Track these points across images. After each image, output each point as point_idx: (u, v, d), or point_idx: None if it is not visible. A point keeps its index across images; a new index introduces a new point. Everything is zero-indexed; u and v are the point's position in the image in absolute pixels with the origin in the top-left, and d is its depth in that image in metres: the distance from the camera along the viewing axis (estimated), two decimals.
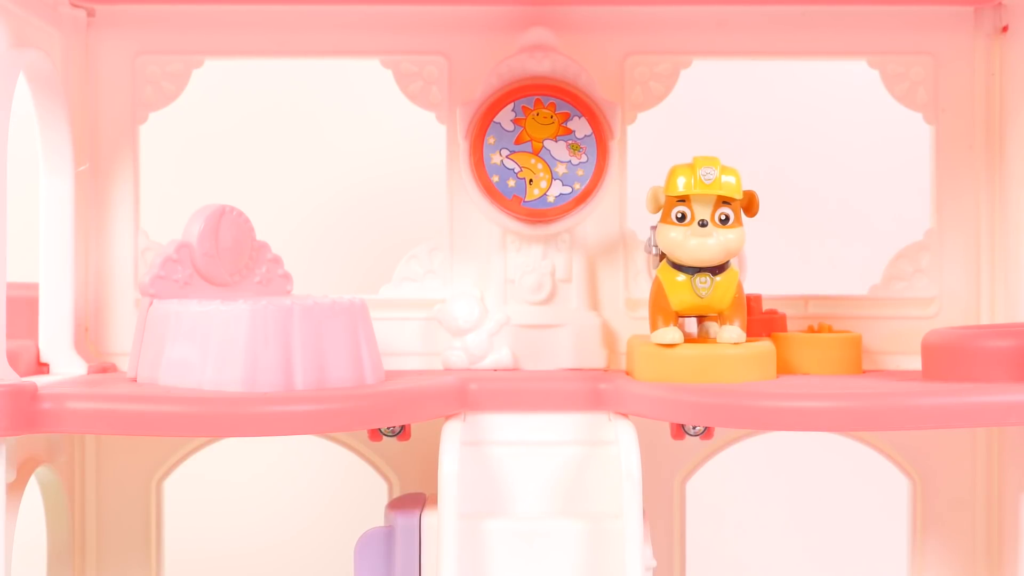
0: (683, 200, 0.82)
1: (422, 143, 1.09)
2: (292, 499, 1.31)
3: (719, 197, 0.82)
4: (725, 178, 0.82)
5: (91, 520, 0.96)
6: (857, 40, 0.95)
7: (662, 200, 0.83)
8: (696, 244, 0.82)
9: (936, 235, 0.96)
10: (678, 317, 0.83)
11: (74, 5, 0.93)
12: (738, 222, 0.82)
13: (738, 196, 0.82)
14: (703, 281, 0.82)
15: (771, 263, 0.88)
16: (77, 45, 0.94)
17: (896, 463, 0.97)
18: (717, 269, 0.83)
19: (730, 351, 0.81)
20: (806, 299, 0.95)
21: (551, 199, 0.89)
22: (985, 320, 0.95)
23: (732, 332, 0.83)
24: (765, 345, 0.84)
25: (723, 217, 0.82)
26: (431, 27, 0.95)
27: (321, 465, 1.28)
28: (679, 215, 0.82)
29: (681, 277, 0.83)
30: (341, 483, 1.29)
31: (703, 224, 0.82)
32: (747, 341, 0.83)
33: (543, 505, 0.80)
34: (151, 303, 0.84)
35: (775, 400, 0.75)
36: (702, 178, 0.82)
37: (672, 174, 0.83)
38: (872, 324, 0.95)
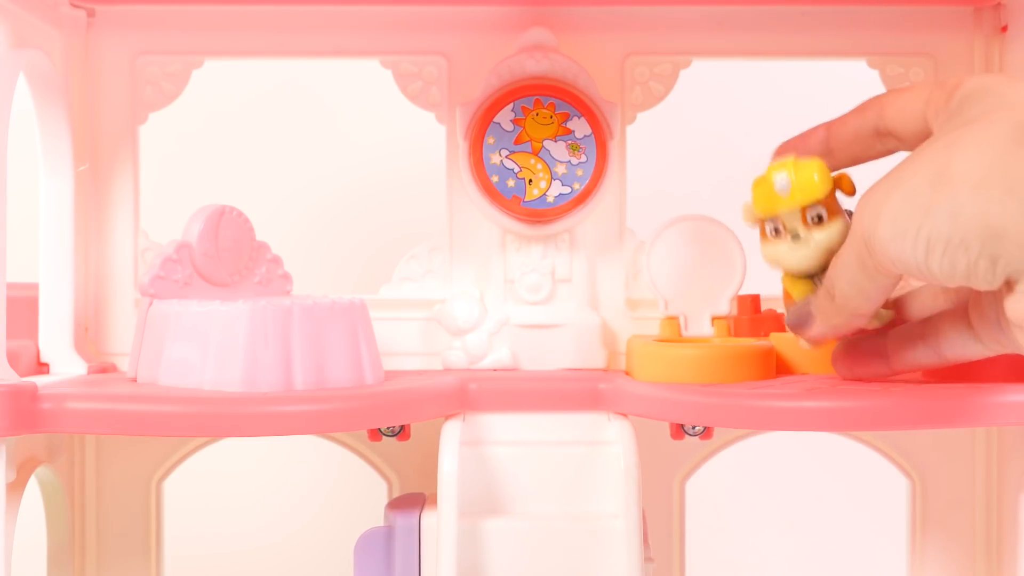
0: (775, 217, 0.77)
1: (422, 143, 1.09)
2: (292, 499, 1.31)
3: (802, 206, 0.76)
4: (802, 180, 0.76)
5: (91, 520, 0.96)
6: (857, 40, 0.95)
7: (755, 214, 0.79)
8: (798, 257, 0.77)
9: None
10: None
11: (74, 5, 0.93)
12: (834, 214, 0.76)
13: (821, 196, 0.76)
14: (818, 279, 0.77)
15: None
16: (77, 45, 0.94)
17: (896, 463, 0.97)
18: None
19: (730, 351, 0.81)
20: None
21: (551, 199, 0.89)
22: None
23: None
24: (764, 345, 0.84)
25: (816, 217, 0.76)
26: (431, 27, 0.95)
27: (321, 465, 1.28)
28: (772, 230, 0.78)
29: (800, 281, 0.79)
30: (341, 483, 1.29)
31: (795, 237, 0.76)
32: (747, 341, 0.83)
33: (542, 505, 0.80)
34: (151, 303, 0.84)
35: (775, 400, 0.75)
36: (779, 193, 0.76)
37: (753, 194, 0.78)
38: None
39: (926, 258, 0.65)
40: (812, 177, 0.75)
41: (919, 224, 0.65)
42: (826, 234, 0.76)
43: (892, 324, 0.79)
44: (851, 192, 0.77)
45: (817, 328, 0.76)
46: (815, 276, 0.77)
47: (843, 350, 0.79)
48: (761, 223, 0.78)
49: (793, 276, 0.78)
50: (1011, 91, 0.68)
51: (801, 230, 0.76)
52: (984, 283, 0.65)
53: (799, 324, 0.77)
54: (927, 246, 0.65)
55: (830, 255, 0.76)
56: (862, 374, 0.79)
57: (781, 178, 0.76)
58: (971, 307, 0.72)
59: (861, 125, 0.76)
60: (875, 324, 0.78)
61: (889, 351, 0.77)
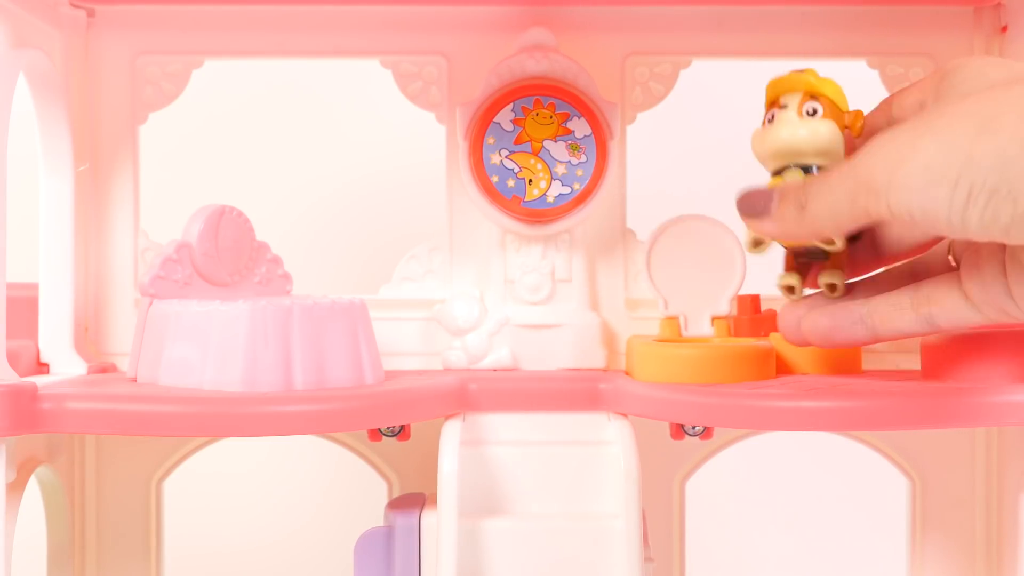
0: (775, 102, 0.76)
1: (422, 143, 1.09)
2: (292, 499, 1.31)
3: (806, 91, 0.75)
4: (818, 78, 0.75)
5: (91, 520, 0.96)
6: (857, 40, 0.95)
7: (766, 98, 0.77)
8: (773, 134, 0.75)
9: None
10: (794, 257, 0.78)
11: (74, 5, 0.93)
12: (831, 118, 0.75)
13: (827, 93, 0.75)
14: (789, 171, 0.75)
15: (770, 262, 0.88)
16: (77, 45, 0.94)
17: (895, 463, 0.97)
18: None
19: (730, 351, 0.81)
20: None
21: (550, 199, 0.89)
22: None
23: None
24: (764, 345, 0.84)
25: (810, 110, 0.75)
26: (431, 27, 0.95)
27: (321, 465, 1.28)
28: (769, 118, 0.76)
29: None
30: (341, 483, 1.29)
31: (784, 109, 0.75)
32: (747, 341, 0.83)
33: (542, 505, 0.80)
34: (151, 303, 0.84)
35: (775, 400, 0.75)
36: (791, 71, 0.76)
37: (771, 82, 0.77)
38: None
39: (964, 208, 0.63)
40: (829, 81, 0.75)
41: (958, 173, 0.63)
42: (811, 128, 0.74)
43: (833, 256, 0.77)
44: (857, 133, 0.76)
45: (768, 226, 0.74)
46: (785, 171, 0.76)
47: (820, 317, 0.76)
48: (766, 111, 0.77)
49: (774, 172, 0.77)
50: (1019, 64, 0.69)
51: (791, 110, 0.75)
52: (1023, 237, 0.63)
53: (751, 212, 0.74)
54: (968, 196, 0.63)
55: (813, 143, 0.75)
56: (841, 341, 0.76)
57: (801, 68, 0.76)
58: (967, 278, 0.71)
59: (878, 118, 0.77)
60: (833, 248, 0.76)
61: (875, 321, 0.74)
